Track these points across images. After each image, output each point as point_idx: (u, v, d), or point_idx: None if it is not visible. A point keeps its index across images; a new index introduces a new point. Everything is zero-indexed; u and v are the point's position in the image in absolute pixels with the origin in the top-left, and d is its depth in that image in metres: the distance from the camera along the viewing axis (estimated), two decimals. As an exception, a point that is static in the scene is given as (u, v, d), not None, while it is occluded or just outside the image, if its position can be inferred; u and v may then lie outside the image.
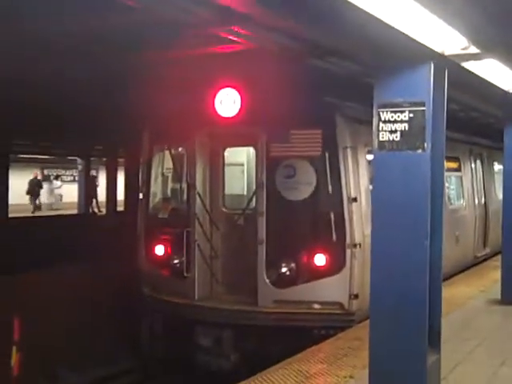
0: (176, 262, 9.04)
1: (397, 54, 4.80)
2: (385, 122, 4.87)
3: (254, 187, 8.80)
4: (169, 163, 9.71)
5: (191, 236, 8.85)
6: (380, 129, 4.89)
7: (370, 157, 7.78)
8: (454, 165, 12.82)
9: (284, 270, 8.40)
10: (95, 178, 27.69)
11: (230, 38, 6.41)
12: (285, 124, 8.35)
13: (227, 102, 8.62)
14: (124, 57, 7.92)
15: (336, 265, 8.27)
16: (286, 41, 6.46)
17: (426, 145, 4.78)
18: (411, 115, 4.79)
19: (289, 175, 8.54)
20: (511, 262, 9.19)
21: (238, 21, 5.56)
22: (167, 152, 9.63)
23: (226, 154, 9.26)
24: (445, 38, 4.48)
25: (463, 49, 4.71)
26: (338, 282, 8.25)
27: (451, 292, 10.20)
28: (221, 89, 8.65)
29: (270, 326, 8.25)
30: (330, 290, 8.30)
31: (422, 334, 4.82)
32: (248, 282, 8.57)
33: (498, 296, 9.31)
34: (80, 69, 8.77)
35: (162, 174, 9.98)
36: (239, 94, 8.56)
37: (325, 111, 8.42)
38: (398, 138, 4.84)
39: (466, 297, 9.92)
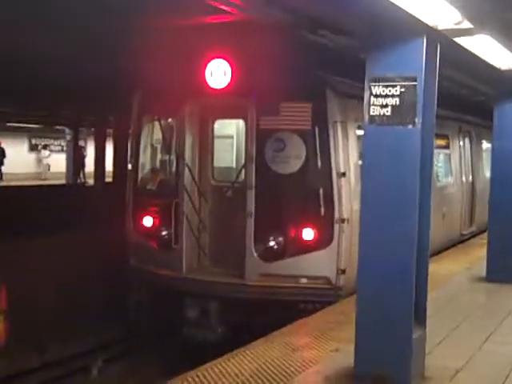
0: (164, 233, 9.00)
1: (390, 27, 4.75)
2: (376, 96, 4.84)
3: (244, 160, 8.78)
4: (158, 134, 9.62)
5: (179, 208, 8.80)
6: (371, 103, 4.87)
7: (360, 132, 6.96)
8: (442, 142, 12.81)
9: (272, 243, 8.38)
10: (83, 148, 27.60)
11: (222, 7, 6.32)
12: (275, 97, 8.26)
13: (218, 74, 8.52)
14: (114, 21, 7.78)
15: (324, 239, 8.27)
16: (279, 12, 6.38)
17: (416, 120, 4.76)
18: (402, 90, 4.77)
19: (278, 148, 8.49)
20: (497, 240, 9.24)
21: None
22: (157, 123, 9.54)
23: (215, 126, 9.19)
24: (438, 12, 4.44)
25: (456, 23, 4.68)
26: (325, 257, 8.25)
27: (437, 268, 10.26)
28: (211, 60, 8.56)
29: (257, 299, 8.23)
30: (318, 265, 8.30)
31: (408, 309, 4.85)
32: (235, 255, 8.57)
33: (483, 273, 9.38)
34: (68, 34, 8.64)
35: (152, 145, 9.90)
36: (230, 65, 8.46)
37: (315, 85, 8.37)
38: (389, 113, 4.82)
39: (452, 273, 10.00)
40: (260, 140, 8.46)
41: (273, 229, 8.41)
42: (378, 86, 4.85)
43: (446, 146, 13.11)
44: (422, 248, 5.01)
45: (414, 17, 4.49)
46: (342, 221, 8.24)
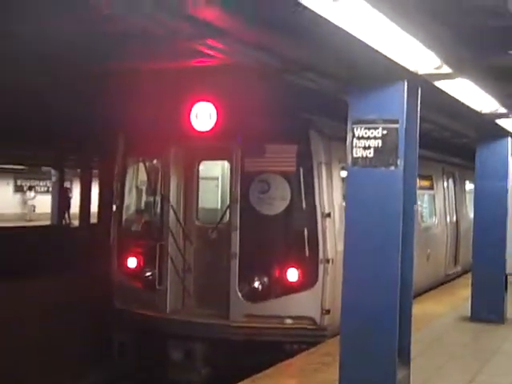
0: (148, 274, 8.96)
1: (372, 71, 4.87)
2: (359, 138, 4.93)
3: (228, 201, 8.75)
4: (143, 176, 9.71)
5: (164, 249, 8.81)
6: (354, 145, 4.95)
7: (344, 173, 7.71)
8: (426, 183, 12.97)
9: (256, 284, 8.33)
10: (68, 189, 27.55)
11: (206, 51, 6.42)
12: (260, 139, 8.32)
13: (203, 116, 8.58)
14: (101, 65, 7.89)
15: (308, 280, 8.26)
16: (263, 56, 6.49)
17: (398, 162, 4.84)
18: (385, 132, 4.86)
19: (263, 190, 8.50)
20: (481, 279, 9.29)
21: (214, 34, 5.58)
22: (141, 164, 9.64)
23: (200, 167, 9.22)
24: (418, 57, 4.55)
25: (436, 68, 4.79)
26: (310, 297, 8.24)
27: (422, 309, 10.27)
28: (196, 102, 8.61)
29: (242, 340, 8.17)
30: (303, 305, 8.26)
31: (391, 350, 4.86)
32: (220, 296, 8.49)
33: (468, 313, 9.40)
34: (53, 76, 8.71)
35: (136, 187, 9.93)
36: (215, 108, 8.53)
37: (300, 127, 8.41)
38: (372, 155, 4.90)
39: (437, 314, 10.00)
40: (245, 181, 8.48)
41: (257, 269, 8.38)
42: (361, 127, 4.94)
43: (430, 187, 13.27)
44: (406, 288, 5.03)
45: (396, 62, 4.60)
46: (327, 261, 8.24)
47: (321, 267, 8.21)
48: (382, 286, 4.88)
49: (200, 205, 9.17)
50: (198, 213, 9.12)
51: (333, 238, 8.38)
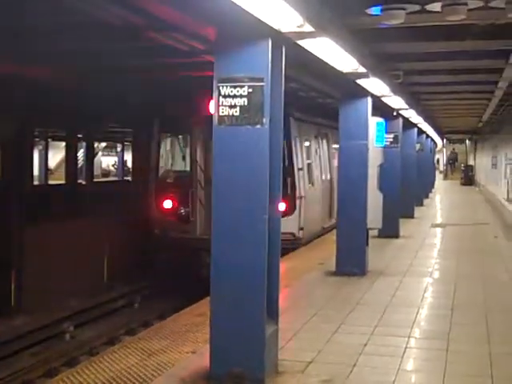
0: (182, 211, 13.61)
1: (236, 29, 4.82)
2: (224, 96, 4.89)
3: None
4: (173, 145, 15.29)
5: (194, 194, 13.51)
6: (220, 103, 4.91)
7: (306, 143, 14.62)
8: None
9: None
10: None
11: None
12: None
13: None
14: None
15: (291, 209, 13.16)
16: (125, 12, 6.25)
17: (264, 120, 4.87)
18: (250, 90, 4.85)
19: None
20: (344, 235, 9.69)
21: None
22: (172, 138, 15.17)
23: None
24: (281, 15, 4.54)
25: (299, 26, 4.82)
26: (291, 220, 12.99)
27: (291, 266, 10.60)
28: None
29: None
30: (287, 225, 11.56)
31: (260, 306, 4.94)
32: None
33: (333, 268, 9.81)
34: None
35: (167, 153, 15.15)
36: None
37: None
38: (238, 113, 4.89)
39: (305, 270, 10.35)
40: None
41: None
42: (226, 86, 4.90)
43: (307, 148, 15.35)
44: (273, 246, 5.12)
45: (259, 20, 4.58)
46: (301, 198, 13.48)
47: (297, 201, 13.37)
48: (249, 244, 4.93)
49: None
50: None
51: (303, 183, 13.73)
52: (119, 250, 15.14)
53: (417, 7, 5.20)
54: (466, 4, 5.08)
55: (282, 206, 12.05)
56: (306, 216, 13.47)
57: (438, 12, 5.24)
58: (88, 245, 14.29)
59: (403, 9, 5.20)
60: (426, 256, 12.20)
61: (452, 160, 46.07)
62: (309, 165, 14.51)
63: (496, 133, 23.97)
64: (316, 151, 15.55)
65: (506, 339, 6.65)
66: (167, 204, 13.74)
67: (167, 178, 14.51)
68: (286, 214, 12.45)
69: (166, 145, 15.15)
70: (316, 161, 15.41)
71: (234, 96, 4.88)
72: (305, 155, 14.16)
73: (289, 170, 13.02)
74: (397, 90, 10.51)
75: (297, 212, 13.17)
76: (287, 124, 12.53)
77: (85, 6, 6.20)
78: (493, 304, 8.16)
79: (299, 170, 13.48)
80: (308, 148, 14.84)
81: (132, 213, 15.86)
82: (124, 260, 15.19)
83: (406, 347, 6.28)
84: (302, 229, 13.28)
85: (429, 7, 5.19)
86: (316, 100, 14.75)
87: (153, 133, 14.42)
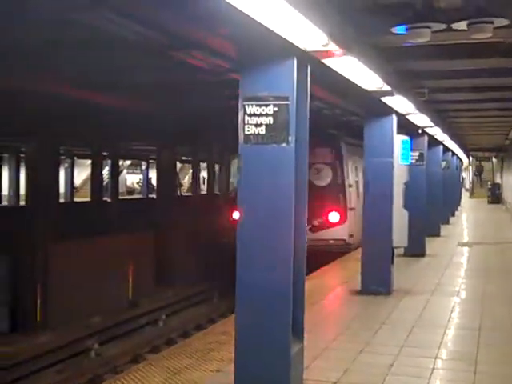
0: None
1: (261, 49, 4.85)
2: (250, 115, 4.91)
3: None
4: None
5: None
6: (246, 122, 4.93)
7: (354, 164, 17.37)
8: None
9: (315, 222, 15.43)
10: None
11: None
12: (312, 144, 14.48)
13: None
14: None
15: (343, 219, 15.82)
16: (147, 31, 6.30)
17: (290, 138, 4.87)
18: (276, 109, 4.86)
19: (316, 172, 16.04)
20: (370, 253, 9.62)
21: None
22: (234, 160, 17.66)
23: None
24: (307, 34, 4.57)
25: (324, 45, 4.83)
26: (343, 228, 15.73)
27: (316, 284, 10.54)
28: None
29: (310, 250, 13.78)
30: (340, 232, 15.31)
31: (285, 325, 4.91)
32: None
33: (359, 287, 9.73)
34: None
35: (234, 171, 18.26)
36: None
37: (336, 138, 16.60)
38: (264, 132, 4.90)
39: (331, 288, 10.29)
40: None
41: (316, 214, 15.10)
42: (252, 105, 4.92)
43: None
44: (299, 264, 5.10)
45: (285, 39, 4.60)
46: (351, 209, 16.07)
47: (348, 212, 15.93)
48: (275, 262, 4.92)
49: None
50: None
51: (353, 197, 16.48)
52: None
53: (443, 26, 5.18)
54: (492, 22, 5.05)
55: (336, 217, 16.38)
56: (355, 225, 15.53)
57: (463, 30, 5.22)
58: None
59: (429, 27, 5.18)
60: (452, 275, 12.06)
61: (478, 173, 46.22)
62: (356, 182, 16.92)
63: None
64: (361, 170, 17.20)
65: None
66: (235, 215, 15.33)
67: (233, 193, 17.69)
68: (339, 223, 15.72)
69: (234, 166, 18.58)
70: (361, 178, 16.89)
71: (260, 115, 4.90)
72: (354, 174, 16.99)
73: (342, 187, 15.94)
74: (422, 107, 10.48)
75: (347, 222, 15.72)
76: (339, 147, 16.04)
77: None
78: (521, 324, 8.03)
79: (349, 186, 16.29)
80: (356, 168, 17.16)
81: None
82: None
83: (433, 368, 6.19)
84: (351, 236, 15.66)
85: (455, 26, 5.17)
86: (341, 118, 14.82)
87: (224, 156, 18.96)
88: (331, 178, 16.06)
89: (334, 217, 15.68)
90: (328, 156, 16.07)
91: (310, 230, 14.84)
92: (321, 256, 13.06)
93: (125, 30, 6.22)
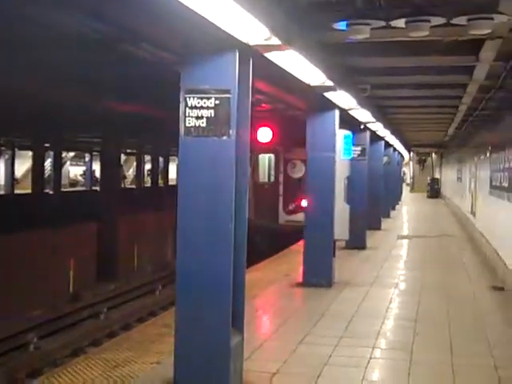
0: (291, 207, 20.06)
1: (203, 41, 4.85)
2: (191, 107, 4.91)
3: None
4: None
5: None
6: (187, 114, 4.93)
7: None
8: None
9: (290, 207, 19.91)
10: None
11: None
12: (291, 145, 19.86)
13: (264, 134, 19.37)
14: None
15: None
16: (98, 24, 6.22)
17: (231, 131, 4.89)
18: (217, 102, 4.88)
19: (293, 166, 20.44)
20: (311, 246, 9.75)
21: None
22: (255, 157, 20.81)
23: (259, 156, 21.23)
24: (249, 28, 4.59)
25: (266, 39, 4.87)
26: None
27: (258, 276, 10.62)
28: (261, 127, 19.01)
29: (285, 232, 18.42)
30: None
31: (225, 317, 4.94)
32: (273, 213, 20.50)
33: (300, 279, 9.85)
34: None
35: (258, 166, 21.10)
36: (271, 130, 19.32)
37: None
38: (204, 124, 4.91)
39: (271, 281, 10.38)
40: (285, 163, 20.75)
41: (290, 201, 19.83)
42: (193, 97, 4.93)
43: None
44: (239, 256, 5.14)
45: (227, 32, 4.61)
46: None
47: None
48: (216, 253, 4.94)
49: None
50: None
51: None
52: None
53: (382, 23, 5.28)
54: (429, 21, 5.18)
55: (305, 203, 20.08)
56: None
57: (402, 28, 5.33)
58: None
59: (368, 24, 5.28)
60: (391, 267, 12.34)
61: (421, 165, 47.76)
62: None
63: (461, 147, 24.36)
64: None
65: (468, 350, 6.76)
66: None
67: (262, 183, 21.15)
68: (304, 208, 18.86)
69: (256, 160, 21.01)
70: None
71: (201, 107, 4.90)
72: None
73: None
74: (364, 103, 10.65)
75: None
76: None
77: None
78: (456, 315, 8.29)
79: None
80: None
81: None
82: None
83: (370, 358, 6.34)
84: None
85: (393, 23, 5.27)
86: (286, 112, 14.86)
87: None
88: (304, 171, 17.52)
89: (305, 202, 17.76)
90: (302, 153, 17.69)
91: (286, 213, 20.28)
92: (296, 234, 14.49)
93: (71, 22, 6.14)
